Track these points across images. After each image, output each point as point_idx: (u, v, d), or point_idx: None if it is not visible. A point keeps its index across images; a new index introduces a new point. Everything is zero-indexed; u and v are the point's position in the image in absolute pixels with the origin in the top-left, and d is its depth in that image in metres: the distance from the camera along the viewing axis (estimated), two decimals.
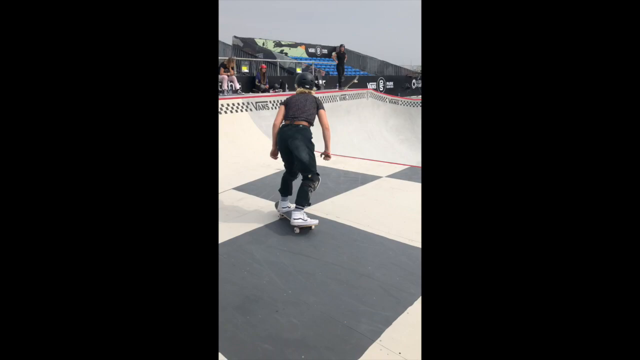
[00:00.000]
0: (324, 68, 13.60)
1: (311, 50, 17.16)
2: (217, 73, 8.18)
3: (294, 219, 2.85)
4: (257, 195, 3.86)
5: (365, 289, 2.08)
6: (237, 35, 14.80)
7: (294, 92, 3.17)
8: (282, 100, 3.17)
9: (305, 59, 15.70)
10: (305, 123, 2.92)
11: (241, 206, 3.53)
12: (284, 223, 3.07)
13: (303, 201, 2.90)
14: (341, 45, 10.91)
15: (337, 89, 10.70)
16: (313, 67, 11.84)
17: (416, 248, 2.53)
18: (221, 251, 2.56)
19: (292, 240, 2.75)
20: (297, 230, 2.85)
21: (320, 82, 11.44)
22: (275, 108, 7.65)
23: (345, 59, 11.07)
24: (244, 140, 6.02)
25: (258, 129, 6.56)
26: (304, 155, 2.86)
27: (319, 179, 2.93)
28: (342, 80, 11.16)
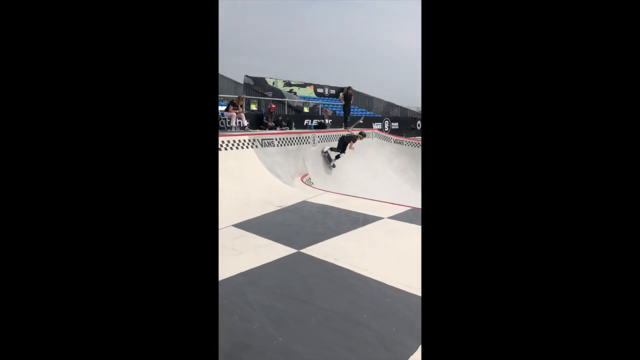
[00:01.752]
0: (331, 108, 13.98)
1: (320, 90, 17.77)
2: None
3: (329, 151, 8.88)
4: (256, 233, 3.82)
5: (360, 340, 1.98)
6: (248, 75, 15.45)
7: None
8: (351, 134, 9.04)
9: (314, 98, 16.21)
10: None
11: (239, 244, 3.49)
12: (280, 263, 3.01)
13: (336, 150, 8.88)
14: (349, 87, 11.28)
15: (342, 129, 10.92)
16: (320, 106, 12.19)
17: (414, 296, 2.44)
18: None
19: (288, 282, 2.68)
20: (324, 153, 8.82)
21: (327, 121, 11.71)
22: (281, 145, 7.78)
23: (352, 100, 11.40)
24: (248, 176, 6.07)
25: (262, 165, 6.64)
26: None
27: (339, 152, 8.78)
28: (348, 120, 11.41)
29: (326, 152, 8.89)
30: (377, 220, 4.32)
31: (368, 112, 16.93)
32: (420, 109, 20.84)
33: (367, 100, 18.30)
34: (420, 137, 13.65)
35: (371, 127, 12.35)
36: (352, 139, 8.94)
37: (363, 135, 9.20)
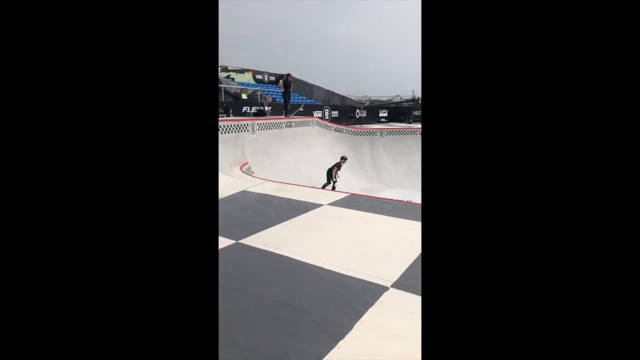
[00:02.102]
0: (271, 95, 13.75)
1: (259, 76, 17.33)
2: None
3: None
4: None
5: (298, 324, 2.02)
6: None
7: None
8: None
9: (253, 85, 15.79)
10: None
11: None
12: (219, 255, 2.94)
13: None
14: (288, 74, 11.17)
15: (283, 116, 10.83)
16: (259, 93, 11.92)
17: (351, 278, 2.55)
18: None
19: (227, 273, 2.63)
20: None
21: (267, 108, 11.52)
22: (219, 133, 7.49)
23: (292, 88, 11.31)
24: None
25: None
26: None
27: (331, 184, 8.80)
28: (288, 108, 11.34)
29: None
30: (317, 207, 4.39)
31: (308, 100, 16.96)
32: (359, 98, 21.41)
33: (307, 88, 18.29)
34: (358, 126, 14.06)
35: (311, 115, 12.41)
36: (336, 165, 9.08)
37: (344, 158, 9.39)
